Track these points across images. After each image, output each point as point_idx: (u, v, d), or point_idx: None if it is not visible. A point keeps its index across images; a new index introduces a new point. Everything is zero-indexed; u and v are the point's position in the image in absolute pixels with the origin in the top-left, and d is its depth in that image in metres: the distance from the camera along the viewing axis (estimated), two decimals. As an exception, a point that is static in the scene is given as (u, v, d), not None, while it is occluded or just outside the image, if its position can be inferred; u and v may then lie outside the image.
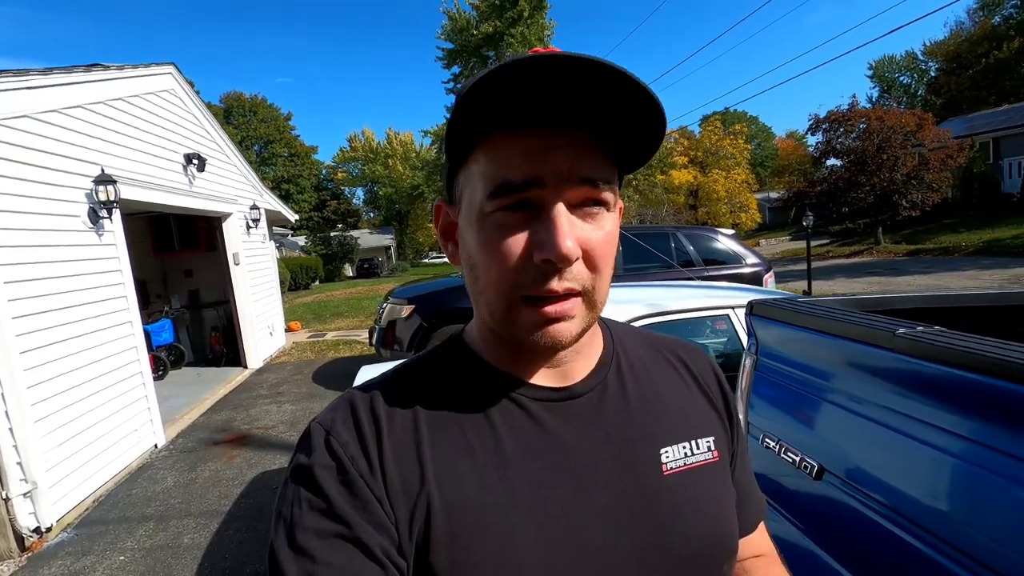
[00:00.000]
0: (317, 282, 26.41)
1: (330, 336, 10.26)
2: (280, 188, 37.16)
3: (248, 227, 8.03)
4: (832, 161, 20.89)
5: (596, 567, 0.47)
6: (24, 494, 3.32)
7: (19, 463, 3.31)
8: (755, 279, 6.13)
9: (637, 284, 3.58)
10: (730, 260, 6.41)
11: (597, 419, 0.53)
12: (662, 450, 0.53)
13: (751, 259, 6.43)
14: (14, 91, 3.54)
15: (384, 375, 0.56)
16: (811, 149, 24.46)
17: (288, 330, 10.48)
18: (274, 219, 10.04)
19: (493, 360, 0.54)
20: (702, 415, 0.59)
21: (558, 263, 0.43)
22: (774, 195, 35.65)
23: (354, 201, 48.04)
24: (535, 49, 0.44)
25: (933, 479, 0.95)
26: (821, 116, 20.59)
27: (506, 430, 0.50)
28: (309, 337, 10.30)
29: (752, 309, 1.47)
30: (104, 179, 4.27)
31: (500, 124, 0.44)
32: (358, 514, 0.45)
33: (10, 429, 3.28)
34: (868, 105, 23.95)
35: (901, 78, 41.42)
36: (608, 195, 0.46)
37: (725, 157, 28.21)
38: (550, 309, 0.45)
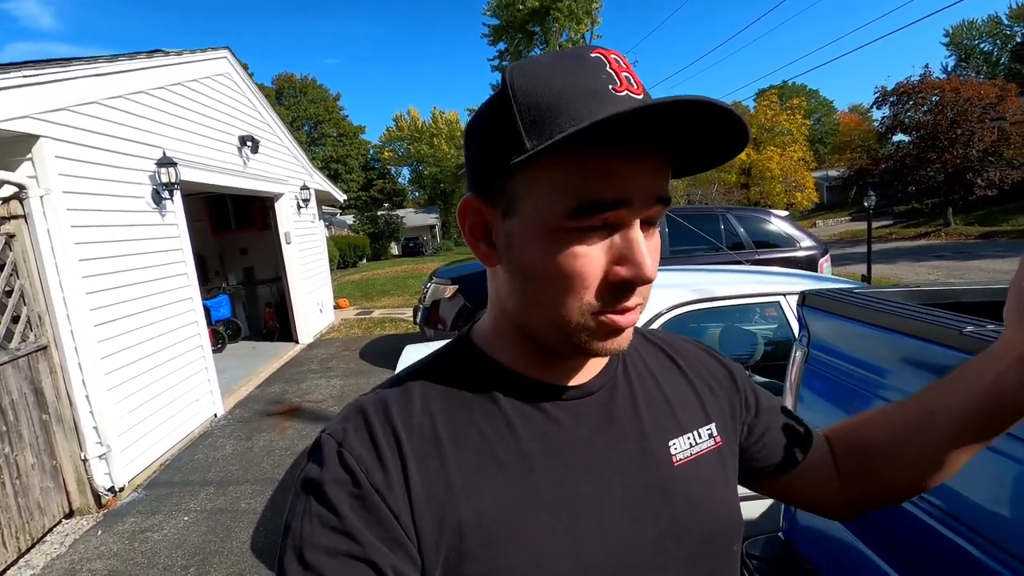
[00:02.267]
0: (364, 260, 27.09)
1: (376, 314, 10.53)
2: (329, 168, 38.05)
3: (299, 207, 8.28)
4: (899, 137, 19.63)
5: (622, 559, 0.49)
6: (100, 456, 3.60)
7: (95, 427, 3.58)
8: (810, 263, 5.86)
9: (684, 268, 3.49)
10: (783, 243, 6.15)
11: (610, 416, 0.54)
12: (670, 442, 0.55)
13: (806, 242, 6.15)
14: (83, 79, 3.74)
15: (394, 380, 0.56)
16: (876, 124, 23.05)
17: (336, 307, 10.83)
18: (323, 198, 10.32)
19: (505, 360, 0.54)
20: (702, 404, 0.60)
21: (639, 284, 0.45)
22: (833, 173, 33.86)
23: (400, 180, 48.72)
24: (600, 51, 0.45)
25: (993, 484, 0.90)
26: (889, 88, 19.31)
27: (526, 432, 0.51)
28: (356, 314, 10.61)
29: (804, 300, 1.41)
30: (166, 162, 4.48)
31: (591, 141, 0.42)
32: (371, 531, 0.44)
33: (87, 396, 3.54)
34: (942, 76, 22.26)
35: (982, 45, 38.12)
36: (664, 212, 0.47)
37: (781, 133, 26.90)
38: (623, 320, 0.46)
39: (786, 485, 0.65)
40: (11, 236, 3.23)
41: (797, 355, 1.44)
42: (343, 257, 22.67)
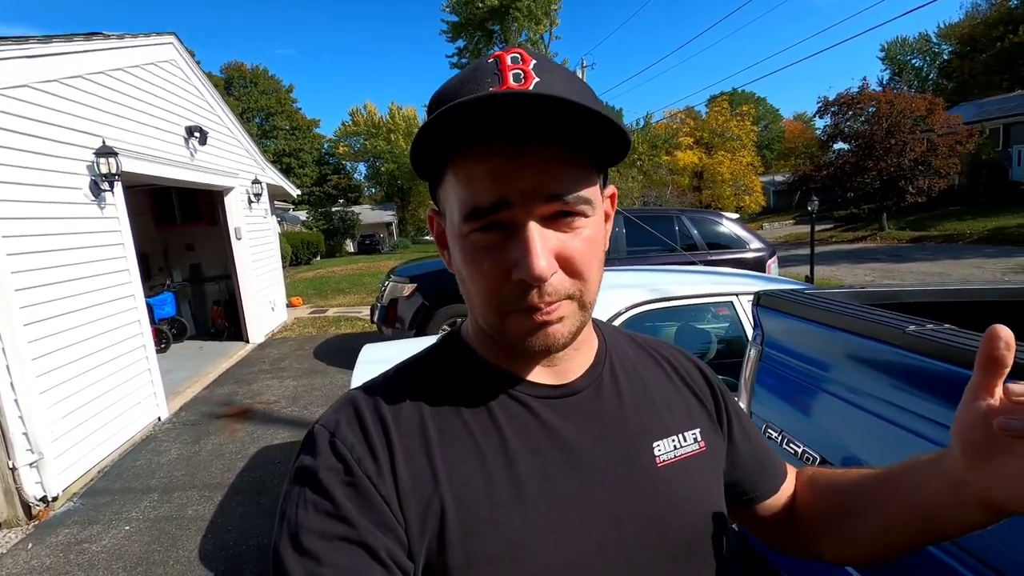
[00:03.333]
0: (318, 257, 26.37)
1: (331, 312, 10.28)
2: (281, 162, 36.84)
3: (250, 201, 7.99)
4: (839, 145, 20.64)
5: (601, 556, 0.49)
6: (30, 464, 3.37)
7: (25, 433, 3.35)
8: (758, 264, 6.11)
9: (640, 268, 3.57)
10: (734, 244, 6.39)
11: (594, 415, 0.55)
12: (654, 443, 0.56)
13: (755, 244, 6.40)
14: (14, 59, 3.49)
15: (385, 375, 0.57)
16: (819, 132, 24.19)
17: (290, 305, 10.51)
18: (276, 193, 9.99)
19: (491, 358, 0.55)
20: (687, 409, 0.61)
21: (532, 283, 0.45)
22: (779, 178, 35.32)
23: (355, 176, 47.69)
24: (499, 55, 0.46)
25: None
26: (830, 99, 20.29)
27: (510, 427, 0.51)
28: (310, 313, 10.33)
29: (759, 300, 1.47)
30: (105, 151, 4.23)
31: (465, 148, 0.45)
32: (364, 516, 0.45)
33: (15, 400, 3.31)
34: (879, 88, 23.58)
35: (913, 61, 40.66)
36: (581, 206, 0.46)
37: (731, 139, 27.85)
38: (538, 317, 0.47)
39: (747, 511, 0.67)
40: (-71, 228, 2.98)
41: (752, 353, 1.50)
42: (296, 254, 22.01)
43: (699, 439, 0.59)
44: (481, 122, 0.43)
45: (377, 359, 3.24)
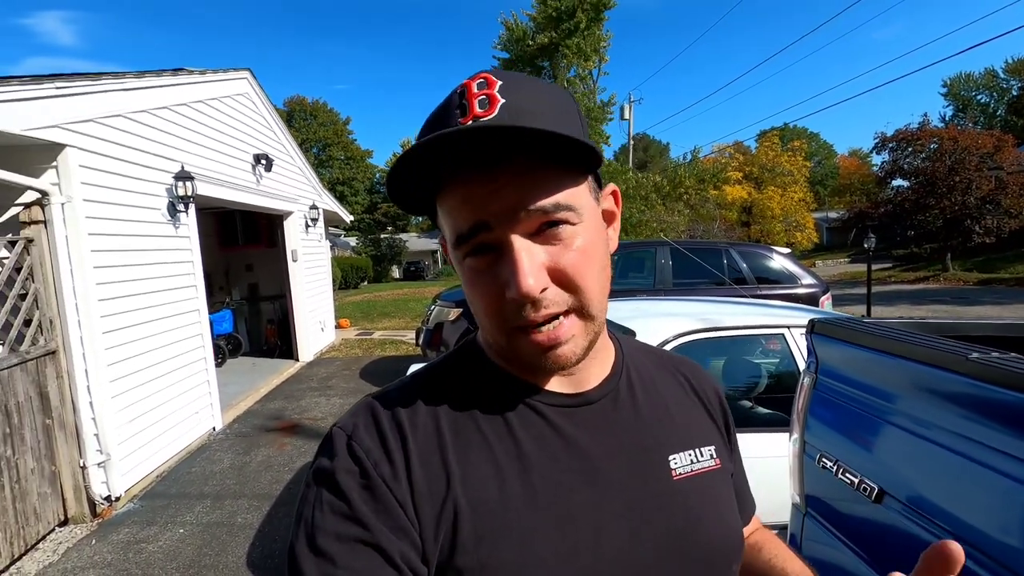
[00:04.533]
0: (366, 282, 27.14)
1: (377, 335, 10.53)
2: (335, 189, 38.41)
3: (307, 226, 8.38)
4: (898, 182, 19.95)
5: (616, 568, 0.49)
6: (99, 464, 3.58)
7: (96, 434, 3.58)
8: (811, 300, 5.92)
9: (689, 298, 3.54)
10: (785, 279, 6.22)
11: (610, 426, 0.55)
12: (670, 456, 0.56)
13: (807, 279, 6.22)
14: (113, 92, 3.86)
15: (402, 381, 0.58)
16: (876, 169, 23.43)
17: (338, 327, 10.83)
18: (330, 219, 10.44)
19: (507, 366, 0.55)
20: (703, 425, 0.62)
21: (523, 301, 0.45)
22: (833, 215, 34.22)
23: (404, 205, 49.01)
24: (466, 83, 0.47)
25: (1005, 509, 0.93)
26: (888, 134, 19.71)
27: (525, 435, 0.52)
28: (357, 335, 10.61)
29: (814, 327, 1.46)
30: (183, 175, 4.57)
31: (442, 181, 0.47)
32: (379, 519, 0.45)
33: (90, 403, 3.55)
34: (940, 124, 22.75)
35: (979, 97, 39.06)
36: (564, 213, 0.46)
37: (782, 174, 27.31)
38: (542, 338, 0.47)
39: None
40: (30, 241, 3.29)
41: (805, 381, 1.48)
42: (345, 278, 22.73)
43: (714, 456, 0.59)
44: (445, 159, 0.45)
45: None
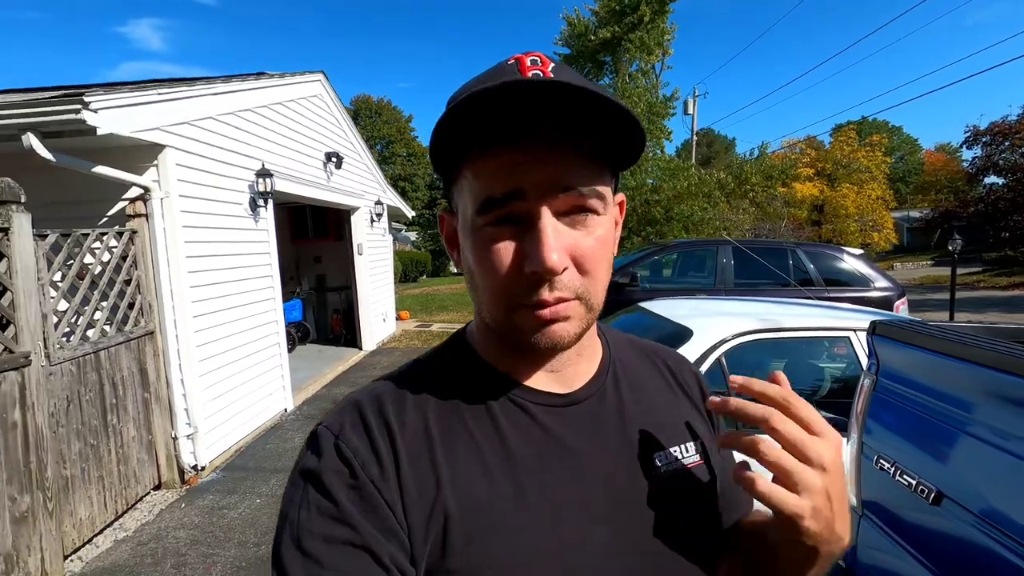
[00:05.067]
0: (425, 276, 27.85)
1: (436, 327, 10.84)
2: (397, 185, 39.48)
3: (372, 220, 8.74)
4: (991, 179, 18.39)
5: (602, 566, 0.49)
6: (187, 436, 3.94)
7: (186, 409, 3.94)
8: (884, 304, 5.61)
9: (750, 298, 3.48)
10: (856, 282, 5.93)
11: (596, 425, 0.55)
12: (655, 454, 0.56)
13: (881, 282, 5.90)
14: (204, 96, 4.20)
15: (388, 376, 0.57)
16: (966, 165, 21.70)
17: (398, 318, 11.23)
18: (393, 214, 10.82)
19: (496, 362, 0.55)
20: (689, 420, 0.61)
21: (545, 275, 0.45)
22: (915, 214, 31.99)
23: (463, 201, 49.83)
24: (518, 56, 0.47)
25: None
26: (981, 128, 18.20)
27: (513, 434, 0.51)
28: (416, 326, 10.96)
29: (875, 328, 1.44)
30: (264, 173, 4.91)
31: (482, 145, 0.45)
32: (368, 520, 0.45)
33: (181, 380, 3.91)
34: (1044, 116, 20.75)
35: (1092, 85, 35.27)
36: (594, 202, 0.47)
37: (859, 170, 25.75)
38: (545, 312, 0.47)
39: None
40: (134, 232, 3.66)
41: (865, 383, 1.47)
42: (406, 271, 23.43)
43: (698, 450, 0.59)
44: (497, 114, 0.43)
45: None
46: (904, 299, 5.86)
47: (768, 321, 2.60)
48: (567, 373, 0.55)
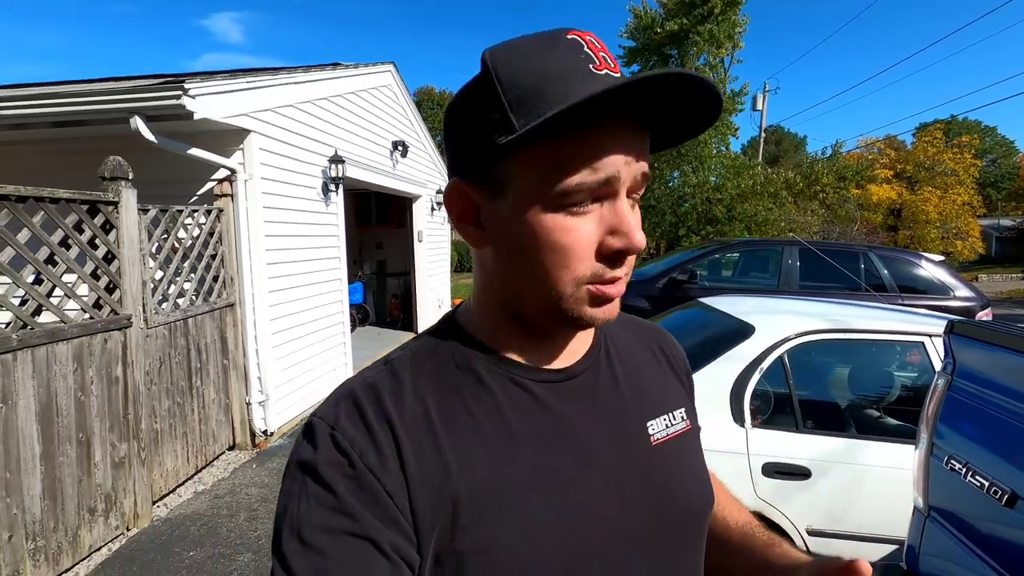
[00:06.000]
0: (478, 266, 28.21)
1: (488, 316, 11.00)
2: (456, 177, 40.05)
3: (432, 209, 8.97)
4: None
5: (610, 535, 0.51)
6: (259, 402, 4.23)
7: (259, 377, 4.22)
8: (965, 315, 5.27)
9: (819, 299, 3.37)
10: (934, 290, 5.59)
11: (593, 398, 0.56)
12: (648, 423, 0.58)
13: (962, 291, 5.54)
14: (285, 85, 4.46)
15: (381, 363, 0.56)
16: (1070, 170, 19.81)
17: (452, 305, 11.46)
18: (453, 204, 11.04)
19: (492, 342, 0.55)
20: (674, 389, 0.65)
21: (631, 253, 0.47)
22: (1007, 222, 29.54)
23: (519, 194, 50.04)
24: (576, 32, 0.46)
25: None
26: (1091, 129, 16.56)
27: (513, 412, 0.52)
28: (470, 315, 11.16)
29: (953, 328, 1.40)
30: (336, 159, 5.16)
31: (587, 123, 0.44)
32: (368, 510, 0.45)
33: (256, 350, 4.19)
34: None
35: None
36: (643, 190, 0.49)
37: (943, 173, 23.99)
38: (612, 290, 0.48)
39: None
40: (220, 211, 3.94)
41: (939, 383, 1.43)
42: (461, 261, 23.83)
43: (685, 418, 0.62)
44: (622, 100, 0.43)
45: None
46: (988, 310, 5.49)
47: (836, 321, 2.53)
48: (564, 350, 0.56)
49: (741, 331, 2.59)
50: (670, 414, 0.60)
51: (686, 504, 0.57)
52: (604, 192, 0.46)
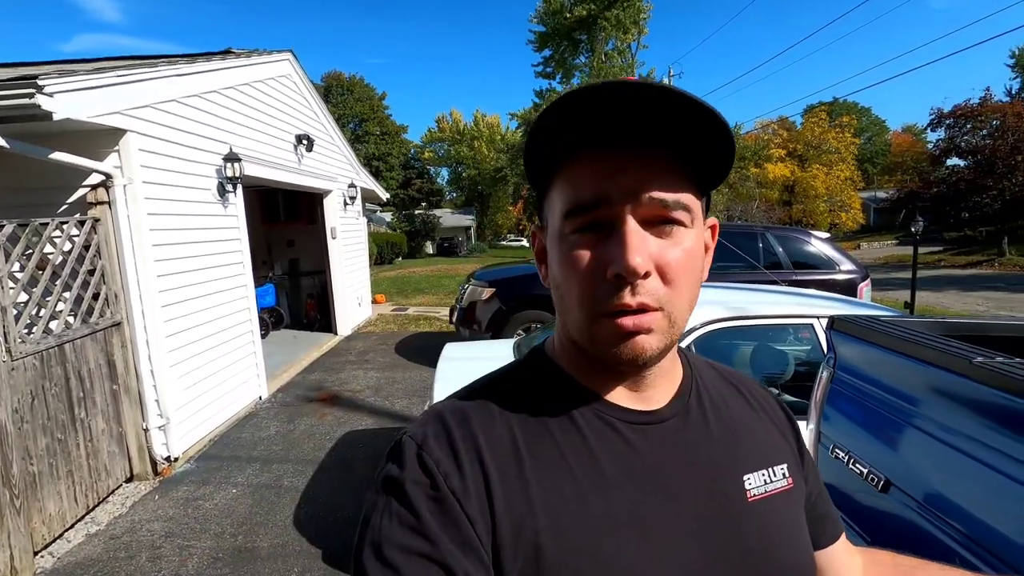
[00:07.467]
0: (400, 258, 27.64)
1: (412, 311, 10.81)
2: (371, 165, 38.84)
3: (345, 204, 8.61)
4: (954, 161, 18.97)
5: None
6: (159, 427, 3.89)
7: (156, 400, 3.87)
8: (849, 287, 5.82)
9: (719, 285, 3.56)
10: (822, 265, 6.12)
11: (683, 444, 0.54)
12: (744, 476, 0.55)
13: (846, 265, 6.10)
14: (167, 78, 4.05)
15: (470, 388, 0.57)
16: (930, 146, 22.34)
17: (374, 302, 11.16)
18: (367, 196, 10.66)
19: (580, 377, 0.55)
20: (774, 443, 0.61)
21: (627, 277, 0.44)
22: (882, 195, 32.83)
23: (438, 181, 49.42)
24: (582, 85, 0.52)
25: (1001, 504, 0.99)
26: (946, 110, 18.70)
27: (602, 451, 0.51)
28: (392, 310, 10.91)
29: (833, 324, 1.51)
30: (232, 157, 4.79)
31: (572, 149, 0.47)
32: (446, 534, 0.45)
33: (151, 371, 3.84)
34: (1006, 99, 21.38)
35: (1050, 68, 36.35)
36: (680, 213, 0.47)
37: (828, 151, 26.26)
38: (627, 321, 0.46)
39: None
40: (96, 220, 3.54)
41: (823, 375, 1.54)
42: (381, 253, 23.21)
43: (787, 475, 0.58)
44: (591, 118, 0.45)
45: (458, 357, 3.47)
46: (867, 281, 6.08)
47: (737, 310, 2.68)
48: (651, 391, 0.55)
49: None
50: (770, 469, 0.57)
51: (779, 569, 0.53)
52: (604, 216, 0.46)
